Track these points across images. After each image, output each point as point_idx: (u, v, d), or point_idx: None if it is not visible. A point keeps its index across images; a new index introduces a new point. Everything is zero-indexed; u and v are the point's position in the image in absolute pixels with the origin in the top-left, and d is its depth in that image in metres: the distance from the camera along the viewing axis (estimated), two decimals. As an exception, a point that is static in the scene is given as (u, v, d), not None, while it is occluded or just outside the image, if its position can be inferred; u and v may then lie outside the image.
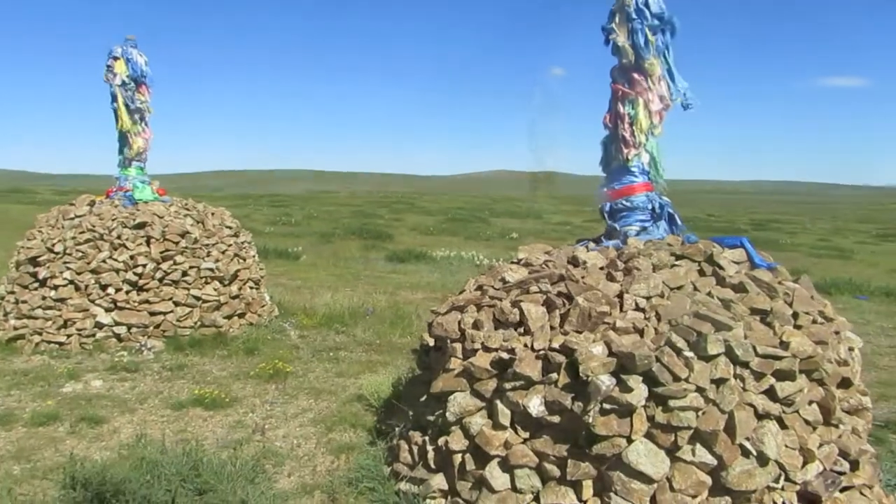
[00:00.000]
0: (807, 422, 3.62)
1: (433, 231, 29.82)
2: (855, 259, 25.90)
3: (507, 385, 3.83)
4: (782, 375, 3.55)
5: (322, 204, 49.30)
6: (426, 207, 49.80)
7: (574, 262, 4.46)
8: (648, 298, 3.91)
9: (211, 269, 8.26)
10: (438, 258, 18.83)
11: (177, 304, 8.03)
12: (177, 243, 8.14)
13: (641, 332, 3.71)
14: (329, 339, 8.51)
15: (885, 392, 7.09)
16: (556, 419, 3.66)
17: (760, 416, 3.49)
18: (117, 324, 7.74)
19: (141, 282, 7.88)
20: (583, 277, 4.15)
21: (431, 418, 4.28)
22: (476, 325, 4.19)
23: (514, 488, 3.70)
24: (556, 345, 3.80)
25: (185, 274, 8.10)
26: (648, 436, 3.45)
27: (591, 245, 4.80)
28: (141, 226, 8.08)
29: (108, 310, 7.76)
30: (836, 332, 4.03)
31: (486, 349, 4.04)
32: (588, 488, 3.53)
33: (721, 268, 4.18)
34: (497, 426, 3.83)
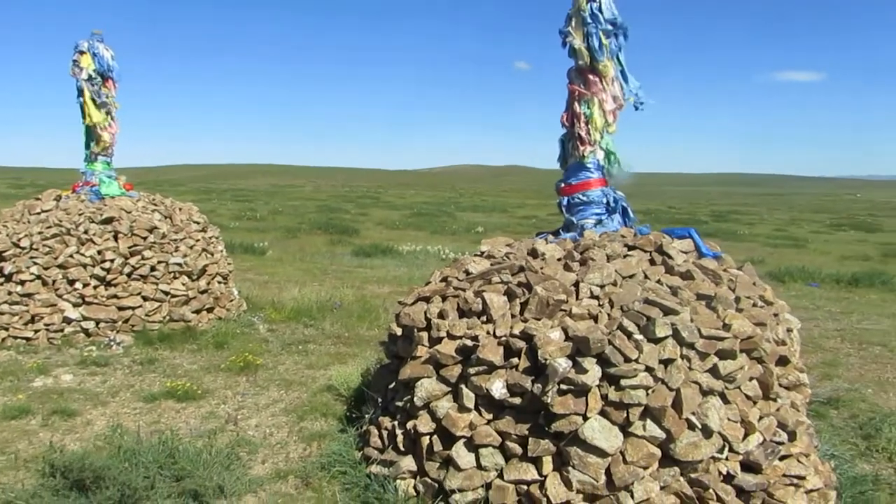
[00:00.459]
0: (747, 397, 3.92)
1: (399, 226, 29.96)
2: (809, 248, 26.73)
3: (472, 370, 4.06)
4: (724, 355, 3.84)
5: (287, 199, 49.06)
6: (392, 202, 49.90)
7: (534, 253, 4.70)
8: (602, 287, 4.17)
9: (179, 264, 8.34)
10: (405, 252, 19.00)
11: (145, 298, 8.10)
12: (145, 238, 8.20)
13: (596, 318, 3.96)
14: (298, 332, 8.65)
15: (828, 372, 7.51)
16: (517, 401, 3.90)
17: (705, 393, 3.77)
18: (85, 319, 7.79)
19: (109, 277, 7.93)
20: (542, 268, 4.39)
21: (400, 404, 4.49)
22: (441, 315, 4.41)
23: (479, 466, 3.93)
24: (516, 331, 4.03)
25: (153, 269, 8.17)
26: (602, 413, 3.70)
27: (550, 237, 5.06)
28: (108, 221, 8.13)
29: (75, 305, 7.80)
30: (775, 315, 4.34)
31: (451, 337, 4.26)
32: (548, 463, 3.78)
33: (670, 257, 4.45)
34: (462, 409, 4.06)
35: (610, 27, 4.77)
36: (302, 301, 9.83)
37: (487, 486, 3.90)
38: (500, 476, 3.88)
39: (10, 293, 7.77)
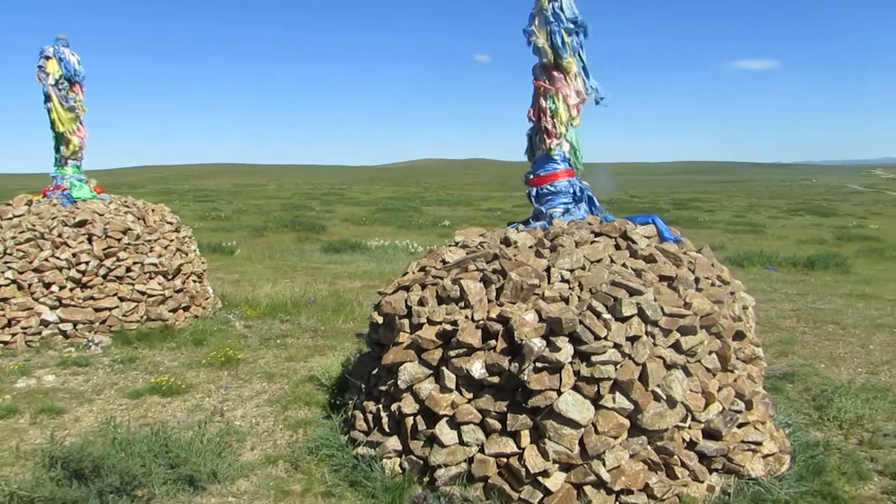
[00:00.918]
0: (707, 369, 4.24)
1: (366, 221, 30.10)
2: (767, 233, 27.55)
3: (452, 353, 4.30)
4: (686, 331, 4.14)
5: (250, 197, 48.74)
6: (357, 198, 49.92)
7: (506, 242, 4.96)
8: (572, 271, 4.45)
9: (154, 265, 8.44)
10: (374, 248, 19.17)
11: (122, 299, 8.19)
12: (119, 240, 8.28)
13: (567, 300, 4.24)
14: (275, 327, 8.81)
15: (784, 349, 7.94)
16: (495, 380, 4.16)
17: (669, 367, 4.07)
18: (63, 321, 7.86)
19: (84, 279, 8.00)
20: (515, 255, 4.66)
21: (384, 388, 4.72)
22: (421, 302, 4.65)
23: (462, 442, 4.18)
24: (493, 315, 4.29)
25: (128, 270, 8.26)
26: (575, 388, 3.98)
27: (521, 227, 5.33)
28: (82, 224, 8.19)
29: (52, 307, 7.86)
30: (732, 293, 4.67)
31: (431, 322, 4.50)
32: (525, 437, 4.04)
33: (634, 242, 4.76)
34: (444, 389, 4.30)
35: (571, 25, 5.04)
36: (276, 297, 9.98)
37: (470, 461, 4.15)
38: (482, 450, 4.13)
39: (-15, 298, 7.80)
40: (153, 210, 9.15)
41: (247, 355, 7.45)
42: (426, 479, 4.27)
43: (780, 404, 5.87)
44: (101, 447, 4.31)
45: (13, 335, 7.74)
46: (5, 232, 8.07)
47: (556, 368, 3.99)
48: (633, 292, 4.14)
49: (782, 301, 11.24)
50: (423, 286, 4.78)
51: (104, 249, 8.12)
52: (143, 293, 8.30)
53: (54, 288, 7.88)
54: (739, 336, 4.54)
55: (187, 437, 4.73)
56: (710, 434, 4.21)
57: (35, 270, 7.87)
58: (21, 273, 7.84)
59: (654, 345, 4.08)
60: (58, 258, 7.93)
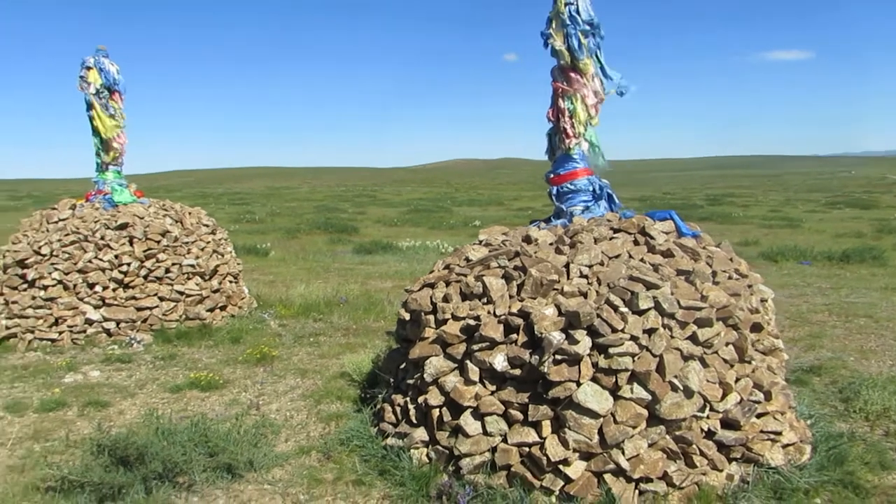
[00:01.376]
0: (725, 360, 4.33)
1: (397, 222, 30.37)
2: (803, 227, 27.11)
3: (475, 347, 4.47)
4: (702, 323, 4.25)
5: (284, 200, 49.45)
6: (388, 199, 50.31)
7: (527, 239, 5.11)
8: (590, 266, 4.58)
9: (192, 265, 8.75)
10: (404, 248, 19.41)
11: (162, 299, 8.51)
12: (158, 242, 8.61)
13: (585, 295, 4.37)
14: (308, 326, 9.07)
15: (813, 343, 7.94)
16: (517, 372, 4.31)
17: (686, 358, 4.17)
18: (106, 320, 8.21)
19: (126, 279, 8.35)
20: (535, 252, 4.80)
21: (411, 381, 4.90)
22: (446, 299, 4.82)
23: (486, 432, 4.34)
24: (514, 310, 4.45)
25: (168, 270, 8.58)
26: (594, 379, 4.11)
27: (542, 225, 5.47)
28: (123, 227, 8.54)
29: (96, 307, 8.22)
30: (749, 286, 4.76)
31: (456, 318, 4.68)
32: (546, 427, 4.19)
33: (652, 238, 4.87)
34: (468, 382, 4.47)
35: (587, 27, 5.17)
36: (309, 297, 10.24)
37: (493, 450, 4.31)
38: (505, 440, 4.29)
39: (34, 298, 8.18)
40: (190, 213, 9.47)
41: (281, 352, 7.70)
42: (451, 468, 4.44)
43: (806, 396, 5.92)
44: (145, 436, 4.56)
45: (60, 333, 8.11)
46: (51, 235, 8.45)
47: (574, 360, 4.12)
48: (650, 286, 4.26)
49: (815, 295, 11.17)
50: (448, 283, 4.95)
51: (144, 251, 8.45)
52: (181, 293, 8.62)
53: (98, 288, 8.23)
54: (757, 328, 4.63)
55: (225, 429, 4.97)
56: (729, 424, 4.31)
57: (80, 271, 8.22)
58: (67, 274, 8.21)
59: (671, 337, 4.20)
60: (101, 259, 8.28)
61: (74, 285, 8.20)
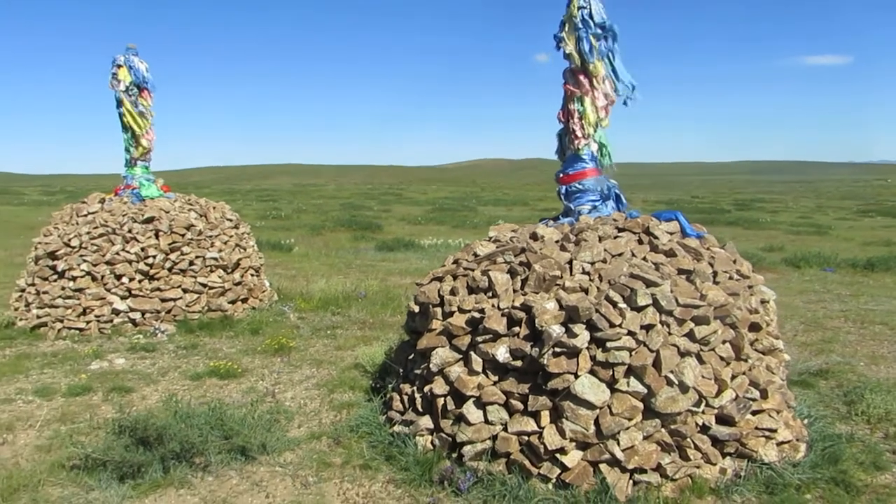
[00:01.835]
0: (721, 358, 4.44)
1: (421, 221, 30.60)
2: (831, 234, 26.77)
3: (479, 339, 4.64)
4: (700, 321, 4.37)
5: (310, 197, 49.96)
6: (414, 198, 50.57)
7: (534, 237, 5.26)
8: (593, 263, 4.72)
9: (215, 259, 9.03)
10: (426, 246, 19.61)
11: (185, 291, 8.80)
12: (183, 235, 8.90)
13: (586, 291, 4.51)
14: (326, 319, 9.29)
15: (824, 347, 7.98)
16: (518, 363, 4.47)
17: (682, 354, 4.30)
18: (132, 310, 8.51)
19: (152, 271, 8.64)
20: (541, 249, 4.95)
21: (418, 371, 5.09)
22: (453, 292, 5.00)
23: (487, 421, 4.51)
24: (517, 304, 4.60)
25: (191, 263, 8.87)
26: (591, 372, 4.26)
27: (550, 222, 5.62)
28: (149, 220, 8.83)
29: (123, 297, 8.52)
30: (750, 287, 4.86)
31: (462, 311, 4.85)
32: (545, 416, 4.34)
33: (656, 237, 4.99)
34: (472, 372, 4.63)
35: (599, 31, 5.31)
36: (329, 292, 10.47)
37: (494, 438, 4.48)
38: (505, 429, 4.45)
39: (63, 288, 8.51)
40: (214, 207, 9.75)
41: (299, 344, 7.94)
42: (454, 454, 4.61)
43: (809, 398, 5.98)
44: (164, 419, 4.80)
45: (88, 323, 8.43)
46: (81, 227, 8.77)
47: (573, 353, 4.27)
48: (649, 284, 4.39)
49: (833, 302, 11.13)
50: (455, 277, 5.13)
51: (169, 244, 8.74)
52: (204, 285, 8.90)
53: (125, 279, 8.53)
54: (756, 328, 4.73)
55: (241, 414, 5.20)
56: (724, 419, 4.42)
57: (107, 263, 8.54)
58: (95, 265, 8.52)
59: (669, 333, 4.32)
60: (128, 252, 8.58)
61: (102, 276, 8.51)
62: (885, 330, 9.01)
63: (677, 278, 4.58)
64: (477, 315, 4.71)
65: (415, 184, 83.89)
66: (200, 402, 5.85)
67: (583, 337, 4.25)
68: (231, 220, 9.75)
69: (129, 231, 8.73)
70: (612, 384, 4.25)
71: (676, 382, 4.24)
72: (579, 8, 5.35)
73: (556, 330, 4.28)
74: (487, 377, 4.59)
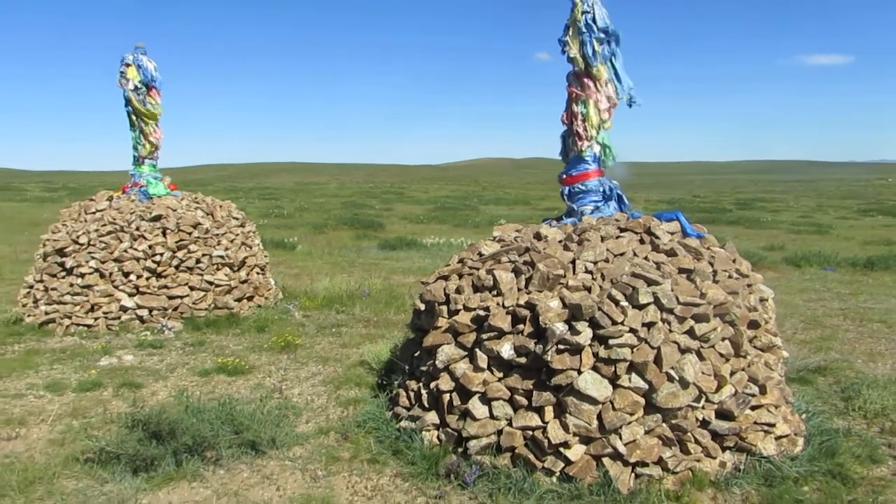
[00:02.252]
0: (720, 354, 4.55)
1: (423, 219, 30.72)
2: (832, 234, 26.84)
3: (484, 336, 4.74)
4: (700, 318, 4.48)
5: (312, 195, 50.07)
6: (416, 197, 50.68)
7: (538, 236, 5.37)
8: (595, 263, 4.83)
9: (221, 257, 9.14)
10: (429, 245, 19.73)
11: (192, 288, 8.91)
12: (190, 233, 9.01)
13: (589, 289, 4.62)
14: (331, 317, 9.41)
15: (822, 345, 8.09)
16: (523, 360, 4.58)
17: (683, 351, 4.40)
18: (140, 307, 8.62)
19: (159, 269, 8.76)
20: (544, 249, 5.06)
21: (424, 368, 5.20)
22: (458, 290, 5.10)
23: (492, 416, 4.62)
24: (521, 302, 4.71)
25: (198, 261, 8.98)
26: (594, 368, 4.37)
27: (554, 223, 5.73)
28: (157, 218, 8.95)
29: (130, 294, 8.63)
30: (749, 286, 4.97)
31: (467, 309, 4.96)
32: (549, 412, 4.45)
33: (657, 237, 5.10)
34: (477, 369, 4.74)
35: (602, 35, 5.41)
36: (333, 290, 10.58)
37: (499, 433, 4.59)
38: (510, 424, 4.56)
39: (71, 285, 8.62)
40: (221, 206, 9.87)
41: (304, 341, 8.05)
42: (460, 449, 4.72)
43: (807, 394, 6.09)
44: (176, 413, 4.91)
45: (96, 319, 8.54)
46: (89, 225, 8.88)
47: (576, 350, 4.38)
48: (650, 282, 4.50)
49: (832, 300, 11.24)
50: (461, 276, 5.24)
51: (177, 242, 8.85)
52: (211, 283, 9.01)
53: (132, 277, 8.65)
54: (754, 325, 4.84)
55: (250, 409, 5.30)
56: (723, 414, 4.53)
57: (115, 260, 8.65)
58: (103, 263, 8.63)
59: (669, 331, 4.43)
60: (136, 249, 8.70)
61: (110, 273, 8.62)
62: (883, 328, 9.12)
63: (678, 277, 4.69)
64: (482, 313, 4.82)
65: (416, 182, 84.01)
66: (210, 398, 5.96)
67: (586, 334, 4.35)
68: (237, 219, 9.86)
69: (137, 229, 8.85)
70: (614, 380, 4.35)
71: (677, 378, 4.34)
72: (583, 13, 5.45)
73: (560, 327, 4.39)
74: (492, 373, 4.70)
